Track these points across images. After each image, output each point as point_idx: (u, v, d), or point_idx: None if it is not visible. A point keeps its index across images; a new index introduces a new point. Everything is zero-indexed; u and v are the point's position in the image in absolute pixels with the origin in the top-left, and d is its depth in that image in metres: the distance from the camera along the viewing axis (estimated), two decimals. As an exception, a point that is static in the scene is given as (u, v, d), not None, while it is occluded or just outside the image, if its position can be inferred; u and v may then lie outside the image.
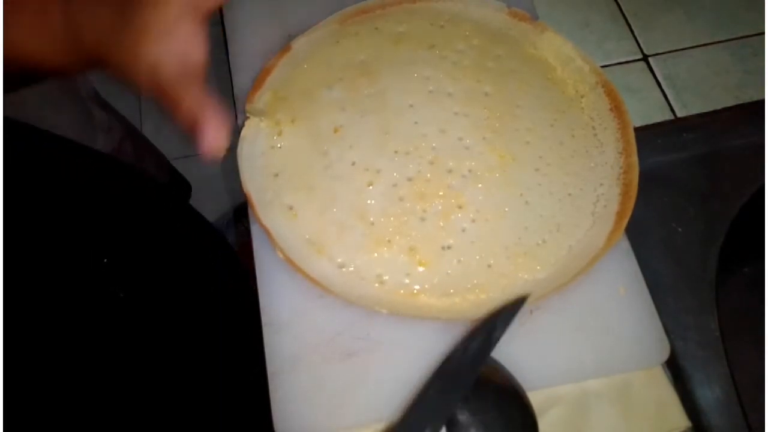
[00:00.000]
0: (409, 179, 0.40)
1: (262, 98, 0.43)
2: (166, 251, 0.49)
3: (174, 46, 0.33)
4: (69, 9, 0.35)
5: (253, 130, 0.42)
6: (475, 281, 0.38)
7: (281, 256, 0.38)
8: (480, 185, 0.40)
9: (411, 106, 0.42)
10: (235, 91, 0.45)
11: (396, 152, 0.41)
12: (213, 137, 0.32)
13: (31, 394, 0.35)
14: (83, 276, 0.41)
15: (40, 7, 0.35)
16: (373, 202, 0.39)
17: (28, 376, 0.35)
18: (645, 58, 0.49)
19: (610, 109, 0.43)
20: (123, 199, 0.48)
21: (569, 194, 0.40)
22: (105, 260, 0.42)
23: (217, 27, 0.42)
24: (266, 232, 0.38)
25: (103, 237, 0.43)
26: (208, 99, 0.33)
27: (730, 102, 0.47)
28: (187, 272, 0.50)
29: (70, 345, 0.39)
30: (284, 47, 0.45)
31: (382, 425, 0.35)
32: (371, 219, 0.39)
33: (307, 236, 0.39)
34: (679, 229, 0.42)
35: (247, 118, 0.42)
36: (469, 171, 0.40)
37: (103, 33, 0.34)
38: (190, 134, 0.33)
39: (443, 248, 0.38)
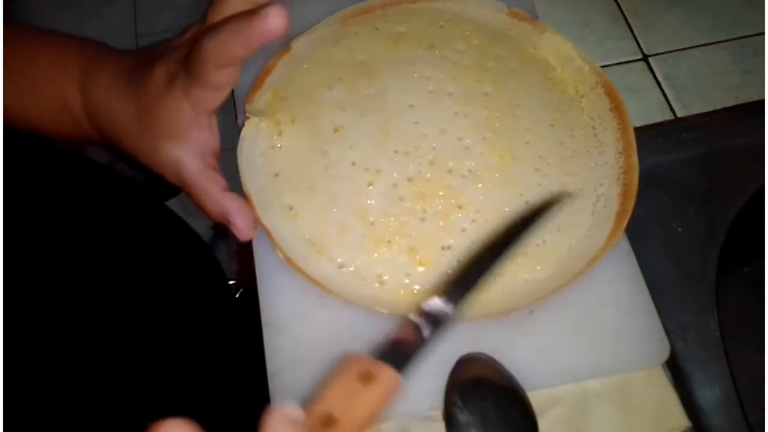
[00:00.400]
0: (409, 179, 0.40)
1: (262, 98, 0.43)
2: (152, 253, 0.49)
3: (192, 144, 0.35)
4: (88, 98, 0.37)
5: (253, 130, 0.42)
6: (475, 281, 0.38)
7: (281, 256, 0.38)
8: (480, 185, 0.40)
9: (411, 106, 0.42)
10: (235, 90, 0.45)
11: (396, 152, 0.41)
12: (243, 225, 0.36)
13: (27, 395, 0.35)
14: (76, 279, 0.41)
15: (59, 94, 0.37)
16: (373, 202, 0.39)
17: (24, 377, 0.35)
18: (645, 58, 0.49)
19: (610, 109, 0.43)
20: (101, 200, 0.48)
21: (569, 194, 0.40)
22: (92, 262, 0.43)
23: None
24: (266, 232, 0.38)
25: (84, 238, 0.43)
26: (229, 194, 0.36)
27: (730, 102, 0.47)
28: (180, 275, 0.50)
29: (66, 349, 0.39)
30: (284, 47, 0.45)
31: (382, 425, 0.35)
32: (371, 219, 0.39)
33: (307, 236, 0.39)
34: (679, 229, 0.42)
35: (247, 118, 0.42)
36: (469, 171, 0.40)
37: (121, 126, 0.36)
38: (221, 223, 0.36)
39: (443, 248, 0.38)
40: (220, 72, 0.32)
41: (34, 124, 0.39)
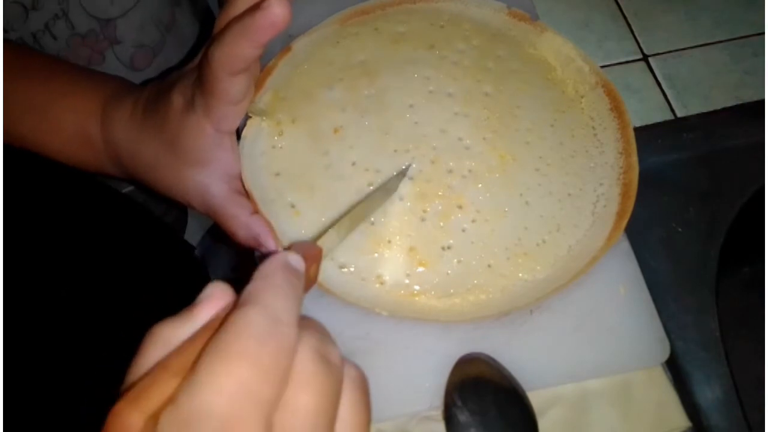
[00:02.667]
0: (409, 179, 0.40)
1: (262, 98, 0.43)
2: (141, 263, 0.48)
3: (217, 168, 0.35)
4: (108, 135, 0.37)
5: (254, 130, 0.42)
6: (475, 281, 0.38)
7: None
8: (480, 185, 0.40)
9: (411, 106, 0.42)
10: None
11: (396, 152, 0.41)
12: (274, 247, 0.36)
13: (27, 400, 0.35)
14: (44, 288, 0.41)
15: (81, 132, 0.37)
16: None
17: (27, 383, 0.36)
18: (645, 58, 0.49)
19: (610, 109, 0.43)
20: (88, 213, 0.48)
21: (569, 194, 0.40)
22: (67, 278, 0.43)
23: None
24: (270, 228, 0.38)
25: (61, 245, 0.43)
26: (257, 217, 0.36)
27: (730, 102, 0.47)
28: (168, 286, 0.49)
29: (61, 357, 0.39)
30: (285, 48, 0.45)
31: (382, 425, 0.36)
32: (371, 219, 0.39)
33: (310, 235, 0.39)
34: (679, 229, 0.42)
35: (249, 117, 0.42)
36: (470, 171, 0.40)
37: (144, 160, 0.36)
38: (252, 248, 0.36)
39: (443, 248, 0.38)
40: (235, 80, 0.31)
41: (55, 157, 0.39)
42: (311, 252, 0.26)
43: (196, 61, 0.35)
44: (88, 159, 0.38)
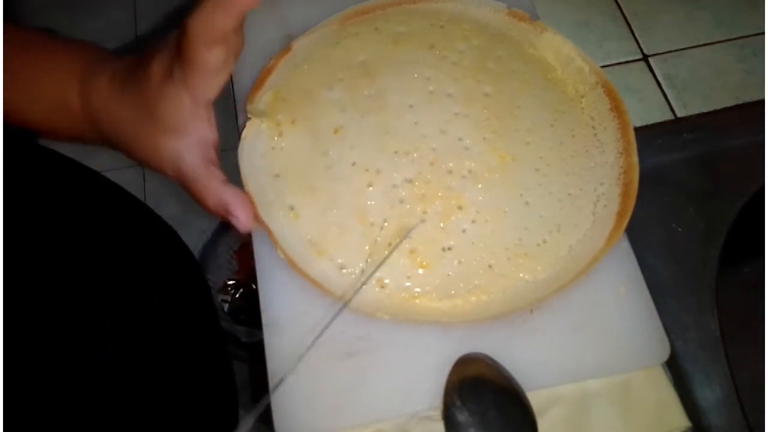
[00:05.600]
0: (409, 180, 0.40)
1: (262, 99, 0.43)
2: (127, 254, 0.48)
3: (192, 137, 0.35)
4: (87, 102, 0.37)
5: (253, 131, 0.42)
6: (476, 282, 0.38)
7: (282, 255, 0.38)
8: (480, 186, 0.40)
9: (411, 106, 0.42)
10: (236, 91, 0.45)
11: (396, 153, 0.41)
12: (244, 217, 0.35)
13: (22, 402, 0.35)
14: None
15: (61, 99, 0.37)
16: (373, 203, 0.39)
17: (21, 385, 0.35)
18: (645, 58, 0.49)
19: (610, 109, 0.43)
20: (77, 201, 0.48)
21: (569, 194, 0.40)
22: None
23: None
24: (268, 232, 0.38)
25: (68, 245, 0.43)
26: (229, 186, 0.36)
27: (730, 102, 0.47)
28: (166, 286, 0.49)
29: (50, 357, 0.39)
30: (285, 48, 0.45)
31: (382, 425, 0.36)
32: (371, 221, 0.39)
33: (309, 237, 0.39)
34: (679, 229, 0.42)
35: (249, 118, 0.42)
36: (469, 171, 0.40)
37: (121, 127, 0.36)
38: (222, 219, 0.36)
39: (443, 249, 0.38)
40: (212, 51, 0.32)
41: (34, 126, 0.39)
42: None
43: (175, 32, 0.35)
44: (68, 127, 0.38)
